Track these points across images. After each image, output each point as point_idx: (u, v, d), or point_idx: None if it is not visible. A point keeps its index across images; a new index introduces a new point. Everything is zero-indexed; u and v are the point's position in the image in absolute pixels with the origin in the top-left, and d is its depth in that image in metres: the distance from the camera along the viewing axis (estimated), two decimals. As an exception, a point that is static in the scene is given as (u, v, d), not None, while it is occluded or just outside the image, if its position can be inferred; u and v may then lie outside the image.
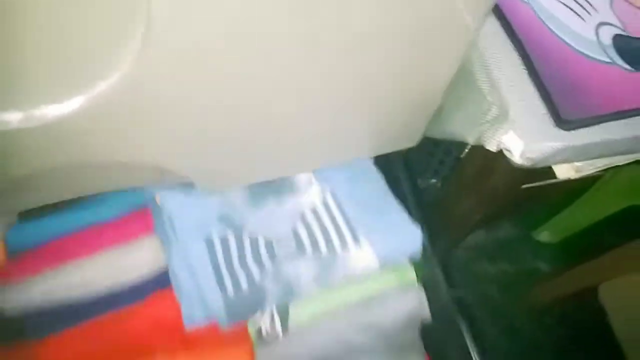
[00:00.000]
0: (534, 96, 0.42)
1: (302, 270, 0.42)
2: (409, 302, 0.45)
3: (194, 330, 0.41)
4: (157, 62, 0.28)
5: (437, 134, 0.49)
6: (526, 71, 0.44)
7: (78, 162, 0.34)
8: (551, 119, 0.41)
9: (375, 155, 0.50)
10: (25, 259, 0.44)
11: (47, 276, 0.43)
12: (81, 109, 0.29)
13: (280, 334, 0.43)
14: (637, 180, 0.74)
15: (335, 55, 0.34)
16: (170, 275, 0.42)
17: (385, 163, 0.51)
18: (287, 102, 0.37)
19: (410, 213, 0.48)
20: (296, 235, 0.44)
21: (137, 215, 0.46)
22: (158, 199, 0.44)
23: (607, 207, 0.82)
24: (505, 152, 0.41)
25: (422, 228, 0.46)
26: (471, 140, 0.44)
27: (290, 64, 0.33)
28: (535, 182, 0.52)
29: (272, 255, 0.43)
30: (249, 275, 0.41)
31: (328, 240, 0.43)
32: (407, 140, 0.49)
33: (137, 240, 0.44)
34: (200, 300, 0.40)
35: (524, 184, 0.52)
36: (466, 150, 0.55)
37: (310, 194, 0.46)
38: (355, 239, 0.43)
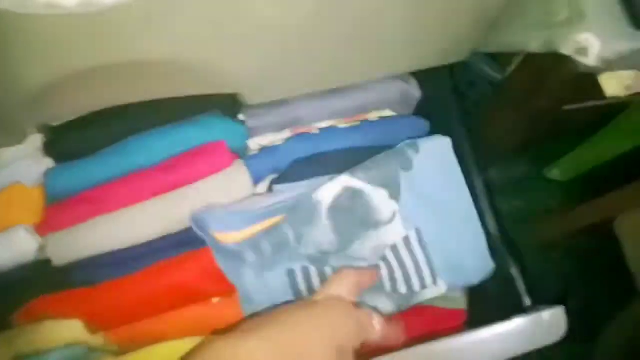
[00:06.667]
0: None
1: (380, 305, 0.41)
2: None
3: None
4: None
5: (491, 46, 0.45)
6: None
7: (130, 60, 0.32)
8: (629, 18, 0.38)
9: (421, 68, 0.47)
10: (67, 206, 0.41)
11: (92, 225, 0.40)
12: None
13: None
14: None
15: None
16: (242, 298, 0.39)
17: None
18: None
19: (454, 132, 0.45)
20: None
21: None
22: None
23: (617, 147, 0.81)
24: (577, 55, 0.38)
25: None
26: (535, 46, 0.40)
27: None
28: (579, 102, 0.50)
29: None
30: None
31: (407, 281, 0.43)
32: (456, 53, 0.46)
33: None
34: None
35: (568, 103, 0.50)
36: (510, 69, 0.51)
37: (393, 231, 0.43)
38: (434, 279, 0.43)
